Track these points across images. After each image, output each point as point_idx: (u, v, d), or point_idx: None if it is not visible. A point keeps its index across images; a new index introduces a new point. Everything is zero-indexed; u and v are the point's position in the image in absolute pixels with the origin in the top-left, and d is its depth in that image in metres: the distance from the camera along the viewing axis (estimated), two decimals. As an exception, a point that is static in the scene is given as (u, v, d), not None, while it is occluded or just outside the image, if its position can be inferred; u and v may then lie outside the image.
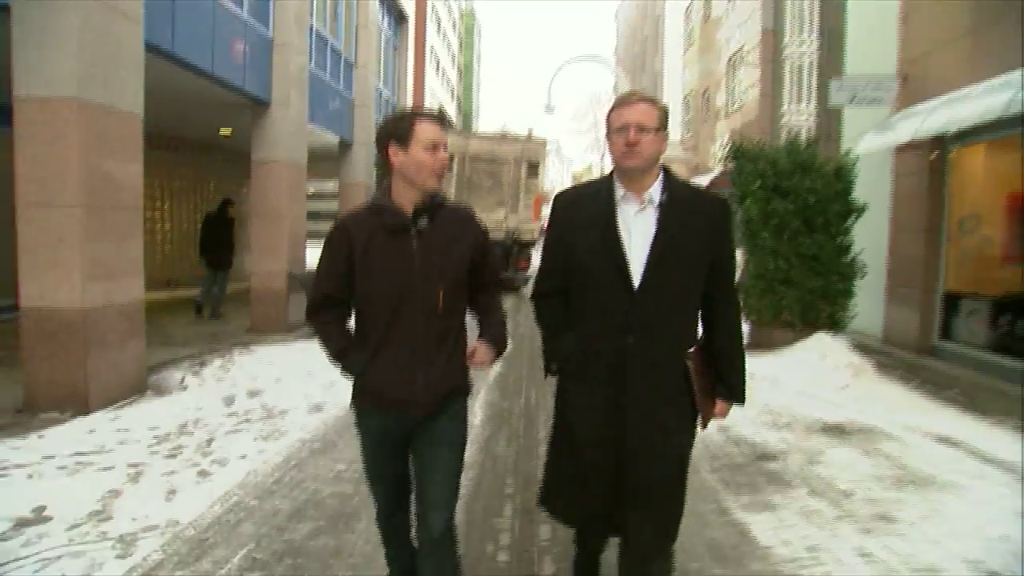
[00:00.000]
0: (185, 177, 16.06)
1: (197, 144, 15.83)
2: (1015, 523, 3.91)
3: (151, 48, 6.70)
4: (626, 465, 2.41)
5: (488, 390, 7.05)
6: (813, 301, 9.14)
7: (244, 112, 10.52)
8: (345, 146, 15.29)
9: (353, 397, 2.59)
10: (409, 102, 22.30)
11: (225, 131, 13.72)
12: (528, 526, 3.87)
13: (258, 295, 10.40)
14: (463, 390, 2.61)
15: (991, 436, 5.68)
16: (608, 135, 2.46)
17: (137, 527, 3.66)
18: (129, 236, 6.17)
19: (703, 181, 19.07)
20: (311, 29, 11.97)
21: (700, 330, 2.58)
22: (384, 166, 2.50)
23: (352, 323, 2.60)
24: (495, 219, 16.10)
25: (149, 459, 4.67)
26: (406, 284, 2.43)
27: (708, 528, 3.87)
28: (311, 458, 4.89)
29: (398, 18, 20.67)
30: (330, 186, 23.62)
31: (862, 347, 9.18)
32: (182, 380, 6.82)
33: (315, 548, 3.53)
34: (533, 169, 17.10)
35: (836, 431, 5.77)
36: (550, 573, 3.35)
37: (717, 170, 11.27)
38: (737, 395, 2.58)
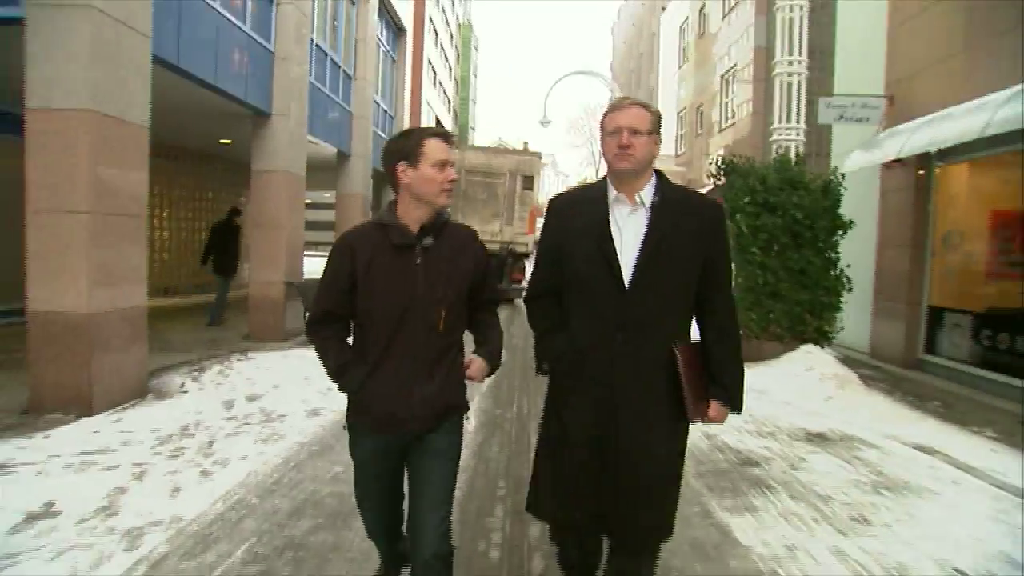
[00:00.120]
0: (184, 186, 16.24)
1: (196, 153, 16.03)
2: (985, 526, 4.09)
3: (157, 61, 6.88)
4: (617, 464, 2.43)
5: (482, 398, 7.22)
6: (801, 314, 9.32)
7: (244, 122, 10.72)
8: (343, 157, 15.49)
9: (348, 415, 2.61)
10: (406, 114, 22.54)
11: (225, 140, 13.90)
12: (519, 525, 4.02)
13: (256, 303, 10.57)
14: (459, 407, 2.63)
15: (967, 445, 5.86)
16: (602, 138, 2.51)
17: (143, 522, 3.82)
18: (133, 243, 6.34)
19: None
20: (311, 42, 12.19)
21: (696, 332, 2.60)
22: (392, 185, 2.54)
23: (351, 339, 2.63)
24: (490, 231, 16.32)
25: (152, 459, 4.82)
26: (408, 301, 2.45)
27: (691, 528, 4.03)
28: (309, 460, 5.05)
29: (396, 31, 20.95)
30: (326, 196, 23.82)
31: (849, 360, 9.38)
32: (182, 384, 6.97)
33: (314, 543, 3.68)
34: (528, 182, 17.34)
35: (818, 439, 5.95)
36: (539, 569, 3.50)
37: (709, 185, 11.48)
38: (733, 398, 2.57)
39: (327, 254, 2.60)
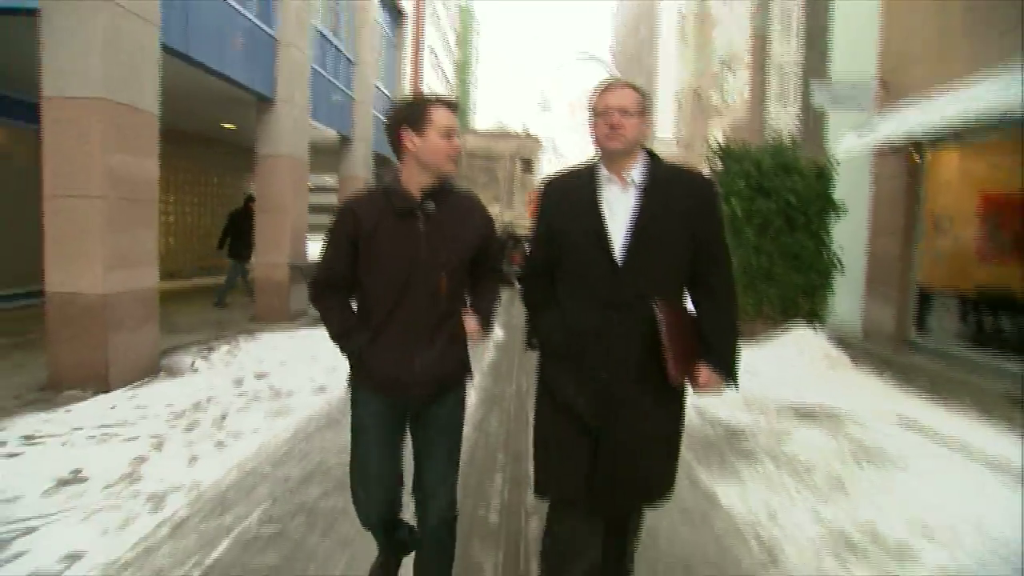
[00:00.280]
0: (188, 170, 16.43)
1: (200, 138, 16.20)
2: (954, 491, 4.34)
3: (166, 49, 7.08)
4: (606, 439, 2.44)
5: (482, 376, 7.47)
6: (794, 296, 9.56)
7: (248, 107, 10.90)
8: (345, 141, 15.66)
9: (350, 377, 2.64)
10: (407, 99, 22.62)
11: (228, 125, 14.08)
12: (516, 492, 4.28)
13: (261, 285, 10.81)
14: (462, 374, 2.67)
15: (948, 420, 6.12)
16: (591, 119, 2.52)
17: (164, 487, 4.07)
18: (145, 227, 6.57)
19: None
20: (313, 28, 12.34)
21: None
22: (396, 151, 2.55)
23: (355, 303, 2.67)
24: (491, 213, 16.52)
25: (169, 431, 5.07)
26: (411, 267, 2.47)
27: (679, 495, 4.26)
28: (318, 433, 5.30)
29: (397, 16, 21.04)
30: (328, 180, 23.99)
31: (842, 341, 9.61)
32: (192, 363, 7.23)
33: (324, 507, 3.94)
34: (528, 165, 17.56)
35: (806, 415, 6.20)
36: (536, 532, 3.75)
37: (706, 170, 11.72)
38: (726, 366, 2.53)
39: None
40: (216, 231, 17.80)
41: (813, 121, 14.42)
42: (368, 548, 3.04)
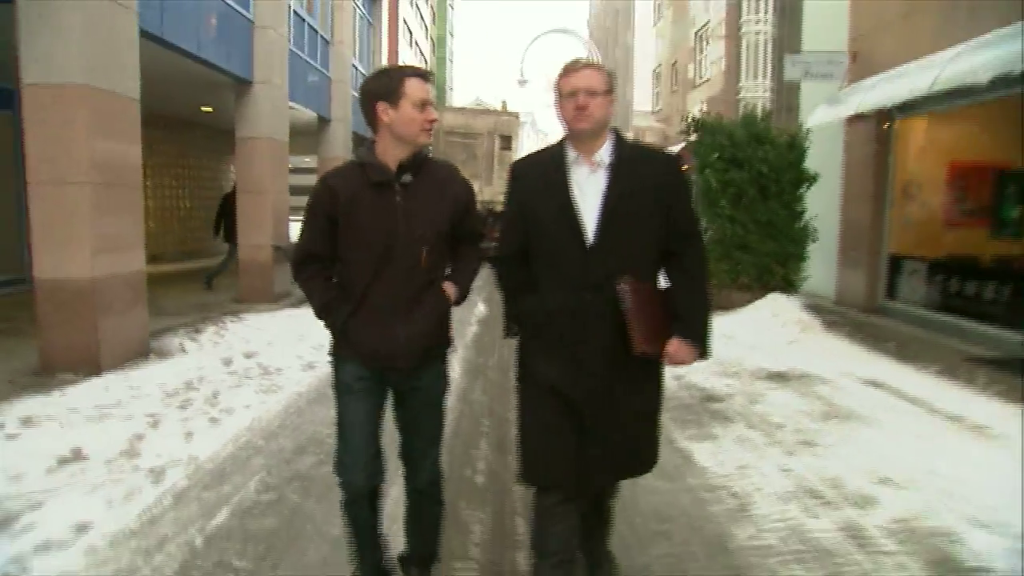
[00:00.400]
0: (167, 154, 16.39)
1: (178, 121, 16.16)
2: (913, 444, 4.62)
3: (143, 33, 7.11)
4: (585, 418, 2.46)
5: (465, 348, 7.67)
6: (768, 264, 9.81)
7: (226, 90, 10.95)
8: (323, 122, 15.69)
9: (332, 347, 2.65)
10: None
11: (206, 108, 14.07)
12: (500, 456, 4.49)
13: (245, 267, 10.91)
14: (444, 343, 2.70)
15: (913, 380, 6.41)
16: (558, 101, 2.52)
17: (163, 462, 4.23)
18: (130, 212, 6.67)
19: (672, 151, 19.72)
20: (289, 9, 12.34)
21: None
22: (371, 124, 2.54)
23: (336, 278, 2.67)
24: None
25: (163, 410, 5.23)
26: (390, 239, 2.47)
27: (656, 454, 4.51)
28: (308, 407, 5.48)
29: (372, -6, 20.94)
30: (307, 161, 23.95)
31: (816, 307, 9.89)
32: (181, 344, 7.36)
33: (318, 475, 4.12)
34: (506, 142, 17.67)
35: (778, 377, 6.46)
36: (520, 492, 3.95)
37: (682, 142, 11.94)
38: (698, 336, 2.53)
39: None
40: (196, 214, 17.89)
41: (787, 93, 14.65)
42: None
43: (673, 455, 4.50)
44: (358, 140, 17.31)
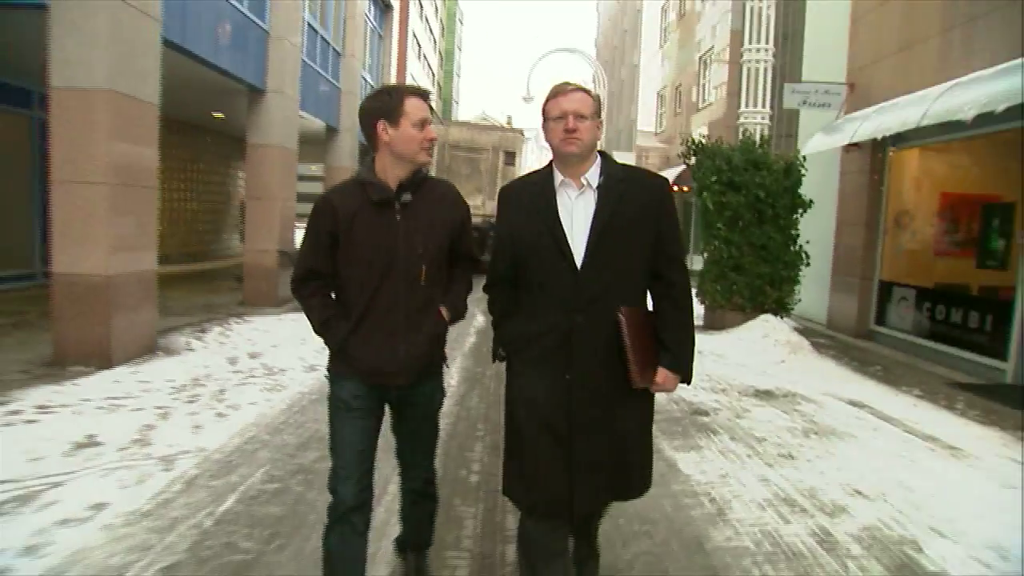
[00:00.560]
0: (177, 158, 16.68)
1: (189, 126, 16.46)
2: (888, 461, 4.84)
3: (165, 42, 7.39)
4: (575, 441, 2.44)
5: (464, 358, 7.89)
6: (761, 286, 10.04)
7: (237, 97, 11.24)
8: (332, 131, 15.98)
9: (330, 364, 2.66)
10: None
11: (217, 114, 14.36)
12: (494, 458, 4.70)
13: (250, 270, 11.16)
14: (439, 362, 2.76)
15: (893, 401, 6.63)
16: (545, 124, 2.52)
17: (173, 451, 4.46)
18: (145, 213, 6.93)
19: (673, 173, 20.01)
20: (303, 20, 12.65)
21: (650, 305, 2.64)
22: (370, 142, 2.57)
23: (335, 295, 2.68)
24: (473, 205, 16.74)
25: (172, 403, 5.45)
26: (390, 256, 2.50)
27: (642, 462, 4.73)
28: (311, 406, 5.70)
29: (383, 8, 21.31)
30: (313, 169, 24.25)
31: (807, 330, 10.15)
32: (187, 343, 7.60)
33: (321, 468, 4.33)
34: (510, 157, 17.95)
35: (764, 395, 6.68)
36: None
37: (682, 166, 12.21)
38: (682, 366, 2.56)
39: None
40: (202, 217, 18.16)
41: (786, 120, 14.96)
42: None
43: (659, 464, 4.69)
44: (364, 150, 17.59)
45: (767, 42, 10.83)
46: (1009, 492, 4.36)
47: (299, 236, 9.50)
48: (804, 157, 10.28)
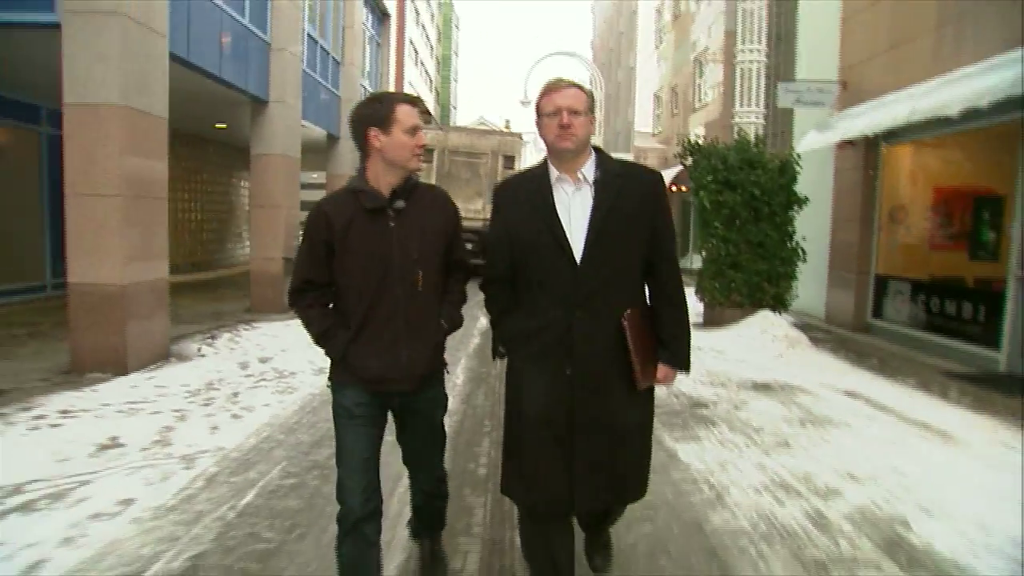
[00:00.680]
0: (182, 168, 16.87)
1: (193, 137, 16.67)
2: (881, 448, 5.02)
3: (171, 56, 7.59)
4: (576, 439, 2.47)
5: (468, 358, 8.08)
6: (759, 283, 10.21)
7: (239, 107, 11.46)
8: (332, 139, 16.20)
9: (331, 373, 2.70)
10: (391, 96, 23.17)
11: (220, 125, 14.57)
12: (500, 452, 4.87)
13: (256, 278, 11.36)
14: (441, 368, 2.78)
15: (888, 391, 6.81)
16: (539, 120, 2.53)
17: (193, 451, 4.64)
18: (157, 223, 7.14)
19: (671, 173, 20.20)
20: (303, 31, 12.87)
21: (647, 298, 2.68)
22: (362, 149, 2.60)
23: (332, 305, 2.70)
24: (473, 209, 17.11)
25: (188, 407, 5.64)
26: (386, 264, 2.52)
27: (644, 452, 4.91)
28: (322, 407, 5.88)
29: (381, 16, 21.56)
30: (315, 176, 24.47)
31: (806, 325, 10.32)
32: (199, 349, 7.79)
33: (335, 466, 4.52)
34: (509, 161, 18.15)
35: (762, 388, 6.86)
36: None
37: (680, 166, 12.44)
38: (681, 361, 2.63)
39: None
40: (207, 227, 18.35)
41: (781, 118, 15.14)
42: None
43: (660, 454, 4.89)
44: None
45: (760, 43, 11.02)
46: (996, 474, 4.55)
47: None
48: (799, 155, 10.46)
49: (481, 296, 2.78)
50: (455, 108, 73.59)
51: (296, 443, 4.95)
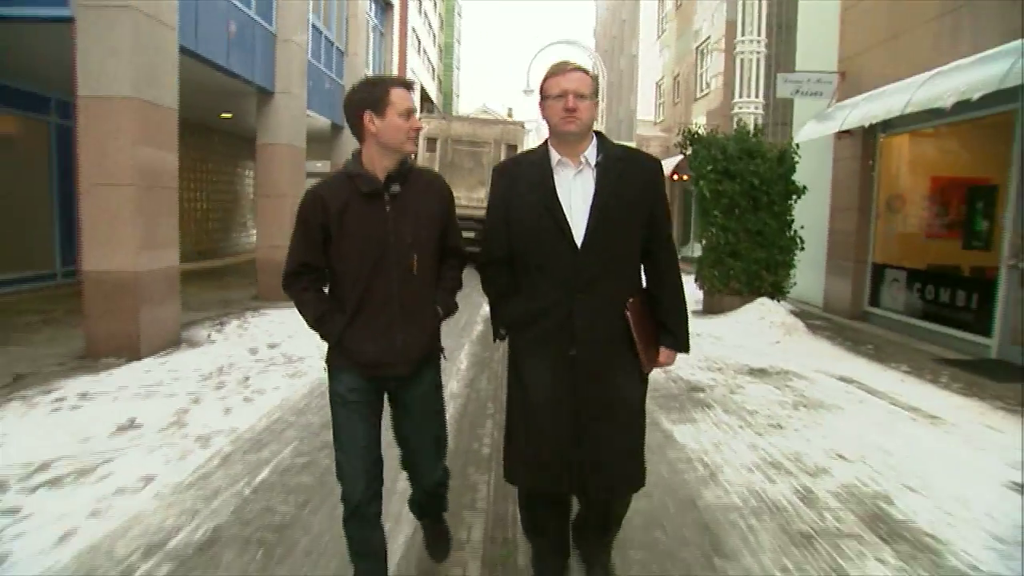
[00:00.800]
0: (187, 158, 16.98)
1: (199, 126, 16.82)
2: (870, 429, 5.20)
3: (181, 49, 7.76)
4: (589, 421, 2.48)
5: (471, 344, 8.27)
6: (758, 271, 10.37)
7: (245, 98, 11.62)
8: (336, 129, 16.34)
9: (328, 360, 2.66)
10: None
11: (226, 115, 14.73)
12: (503, 433, 5.06)
13: (263, 266, 11.55)
14: (437, 353, 2.76)
15: (881, 376, 6.98)
16: (544, 102, 2.53)
17: (208, 431, 4.84)
18: (169, 212, 7.32)
19: (673, 161, 20.32)
20: (308, 22, 13.01)
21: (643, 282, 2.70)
22: (356, 133, 2.58)
23: (327, 289, 2.69)
24: (477, 198, 17.27)
25: (201, 390, 5.83)
26: (381, 248, 2.51)
27: (641, 434, 5.10)
28: (331, 390, 6.07)
29: (384, 5, 21.63)
30: (319, 166, 24.62)
31: (805, 313, 10.51)
32: (209, 335, 7.99)
33: (345, 445, 4.71)
34: (512, 150, 18.25)
35: (758, 373, 7.04)
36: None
37: (677, 157, 12.57)
38: (681, 343, 2.65)
39: None
40: (212, 215, 18.52)
41: (781, 108, 15.26)
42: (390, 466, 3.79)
43: (657, 435, 5.08)
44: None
45: (759, 33, 11.13)
46: (980, 453, 4.73)
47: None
48: (798, 145, 10.60)
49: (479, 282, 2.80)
50: (458, 96, 73.53)
51: (306, 424, 5.14)
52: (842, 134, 10.61)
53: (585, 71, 2.50)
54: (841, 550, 3.35)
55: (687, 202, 21.47)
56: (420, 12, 46.03)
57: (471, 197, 16.75)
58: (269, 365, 6.84)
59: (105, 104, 6.47)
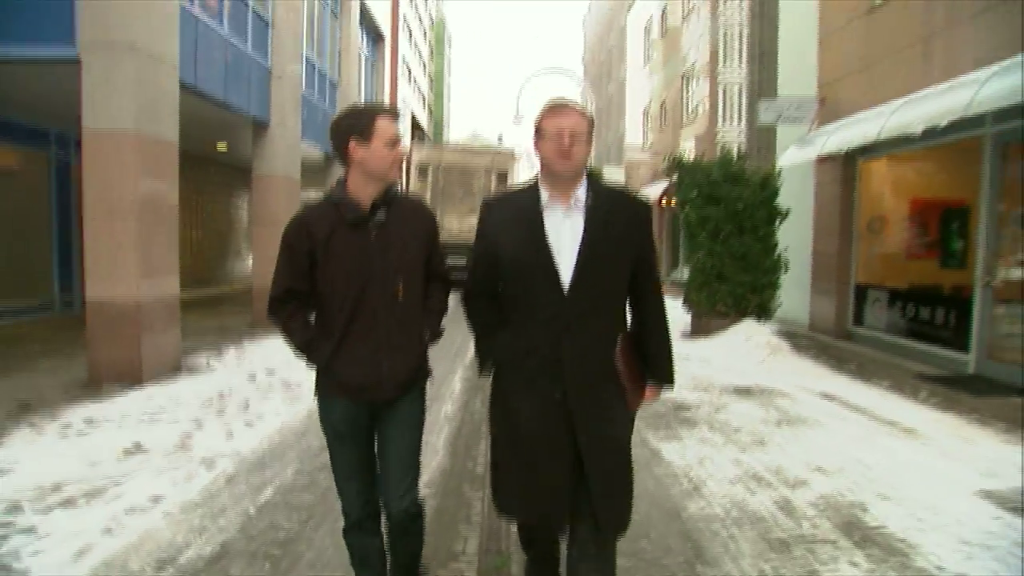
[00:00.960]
0: (185, 188, 17.17)
1: (196, 158, 17.03)
2: (849, 444, 5.42)
3: (181, 85, 8.01)
4: (579, 459, 2.46)
5: (464, 369, 8.46)
6: (743, 293, 10.64)
7: (240, 129, 11.88)
8: (329, 159, 16.61)
9: (317, 387, 2.68)
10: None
11: (221, 146, 14.99)
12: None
13: (259, 294, 11.74)
14: (423, 374, 2.77)
15: (862, 393, 7.22)
16: (539, 140, 2.50)
17: (212, 454, 5.01)
18: (169, 242, 7.53)
19: (661, 187, 20.68)
20: (302, 56, 13.32)
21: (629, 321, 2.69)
22: (342, 160, 2.60)
23: (313, 316, 2.70)
24: (468, 225, 17.52)
25: (204, 415, 6.00)
26: (367, 275, 2.53)
27: (629, 450, 5.30)
28: (329, 414, 6.25)
29: (375, 38, 22.05)
30: (313, 196, 24.95)
31: (791, 333, 10.73)
32: (208, 362, 8.16)
33: (344, 465, 4.90)
34: (502, 178, 18.62)
35: (743, 392, 7.26)
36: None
37: (666, 182, 12.90)
38: (666, 379, 2.67)
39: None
40: (208, 244, 18.72)
41: (763, 134, 15.62)
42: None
43: (645, 452, 5.28)
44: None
45: (740, 62, 11.49)
46: (953, 464, 4.95)
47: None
48: (781, 169, 10.91)
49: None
50: (448, 124, 74.19)
51: (307, 447, 5.32)
52: (823, 159, 10.92)
53: (582, 112, 2.50)
54: (816, 554, 3.55)
55: (675, 227, 21.80)
56: (411, 42, 46.64)
57: (462, 224, 17.03)
58: (268, 391, 7.01)
59: (109, 138, 6.70)
